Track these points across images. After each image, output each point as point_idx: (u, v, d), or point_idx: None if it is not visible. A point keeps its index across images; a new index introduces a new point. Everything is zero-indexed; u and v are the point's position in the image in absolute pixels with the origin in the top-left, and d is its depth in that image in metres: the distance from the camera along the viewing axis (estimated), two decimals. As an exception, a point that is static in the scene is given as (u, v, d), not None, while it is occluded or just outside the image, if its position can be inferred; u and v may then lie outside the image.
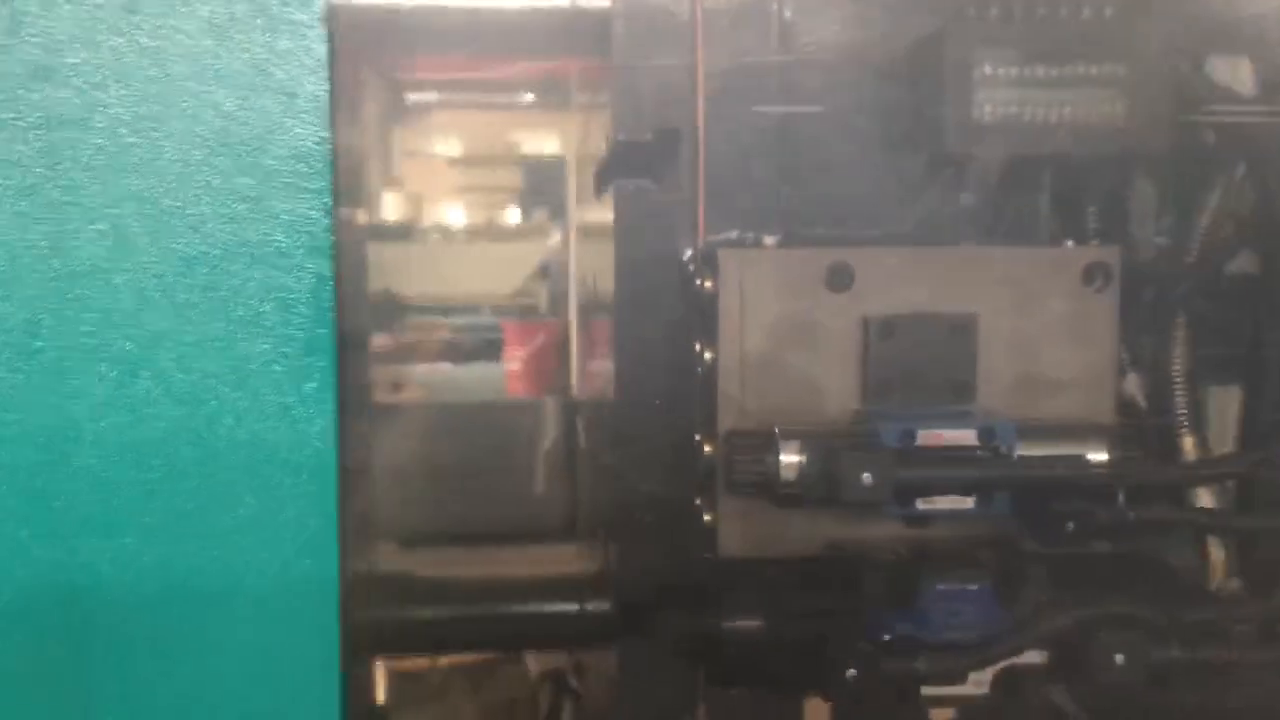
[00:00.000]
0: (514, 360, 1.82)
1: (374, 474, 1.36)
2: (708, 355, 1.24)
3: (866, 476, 1.11)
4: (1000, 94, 1.26)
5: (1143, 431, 1.27)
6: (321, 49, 0.76)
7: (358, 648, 1.19)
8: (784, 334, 1.24)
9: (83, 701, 0.76)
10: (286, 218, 0.76)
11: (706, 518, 1.26)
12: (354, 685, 0.80)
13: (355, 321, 0.80)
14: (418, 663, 1.68)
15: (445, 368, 1.84)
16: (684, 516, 1.27)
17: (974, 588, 1.16)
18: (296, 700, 0.79)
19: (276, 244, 0.76)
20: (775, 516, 1.24)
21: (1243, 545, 1.25)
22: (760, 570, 1.22)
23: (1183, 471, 1.22)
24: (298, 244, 0.76)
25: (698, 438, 1.26)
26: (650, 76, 1.29)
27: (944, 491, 1.14)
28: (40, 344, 0.74)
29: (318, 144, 0.76)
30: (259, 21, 0.76)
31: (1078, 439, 1.21)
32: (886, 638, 1.15)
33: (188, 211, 0.75)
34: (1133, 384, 1.34)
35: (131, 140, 0.75)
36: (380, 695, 1.50)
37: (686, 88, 1.30)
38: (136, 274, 0.75)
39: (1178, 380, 1.30)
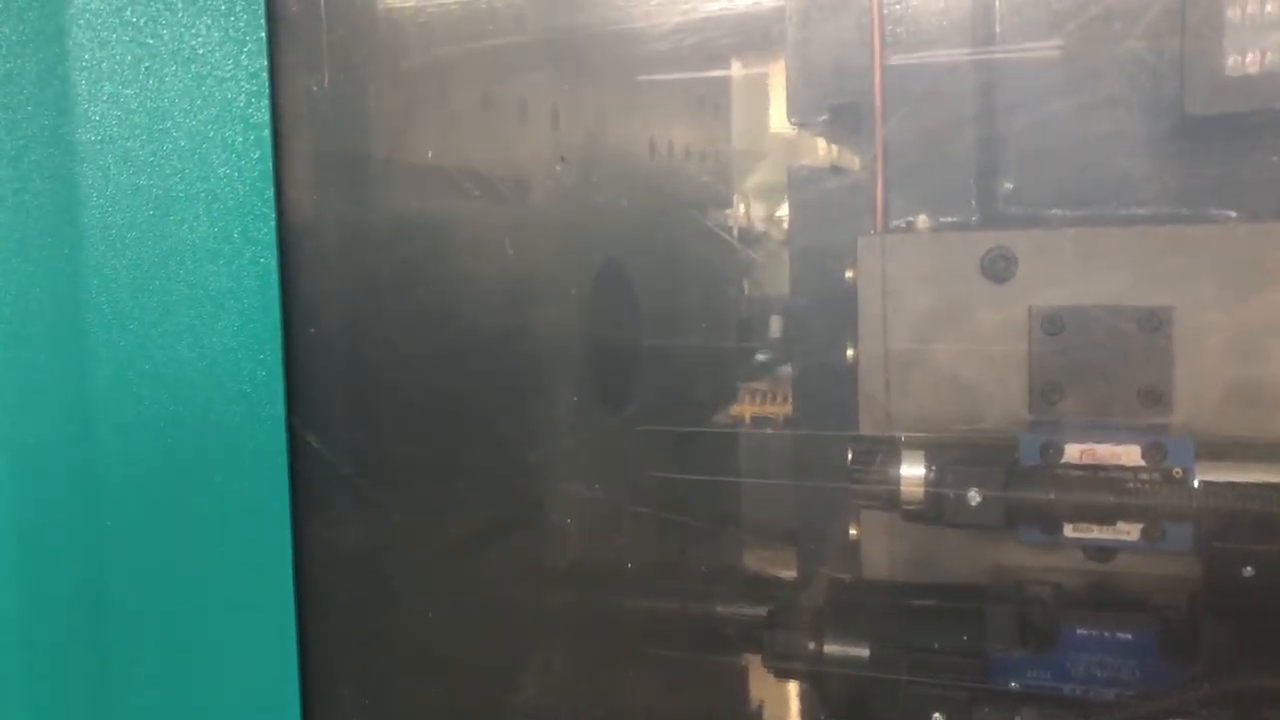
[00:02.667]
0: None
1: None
2: (849, 353, 1.13)
3: (973, 495, 0.96)
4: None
5: None
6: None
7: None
8: (935, 330, 1.10)
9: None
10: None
11: (852, 533, 1.15)
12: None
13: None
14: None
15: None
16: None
17: (1125, 636, 0.95)
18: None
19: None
20: (927, 535, 1.10)
21: None
22: (894, 594, 1.09)
23: None
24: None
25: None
26: (825, 48, 1.21)
27: (1074, 519, 0.95)
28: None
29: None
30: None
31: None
32: (1012, 685, 0.98)
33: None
34: None
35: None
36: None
37: (865, 56, 1.20)
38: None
39: None
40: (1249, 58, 1.05)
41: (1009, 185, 1.14)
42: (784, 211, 1.58)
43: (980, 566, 1.08)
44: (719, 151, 1.66)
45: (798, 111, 1.23)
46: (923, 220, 1.12)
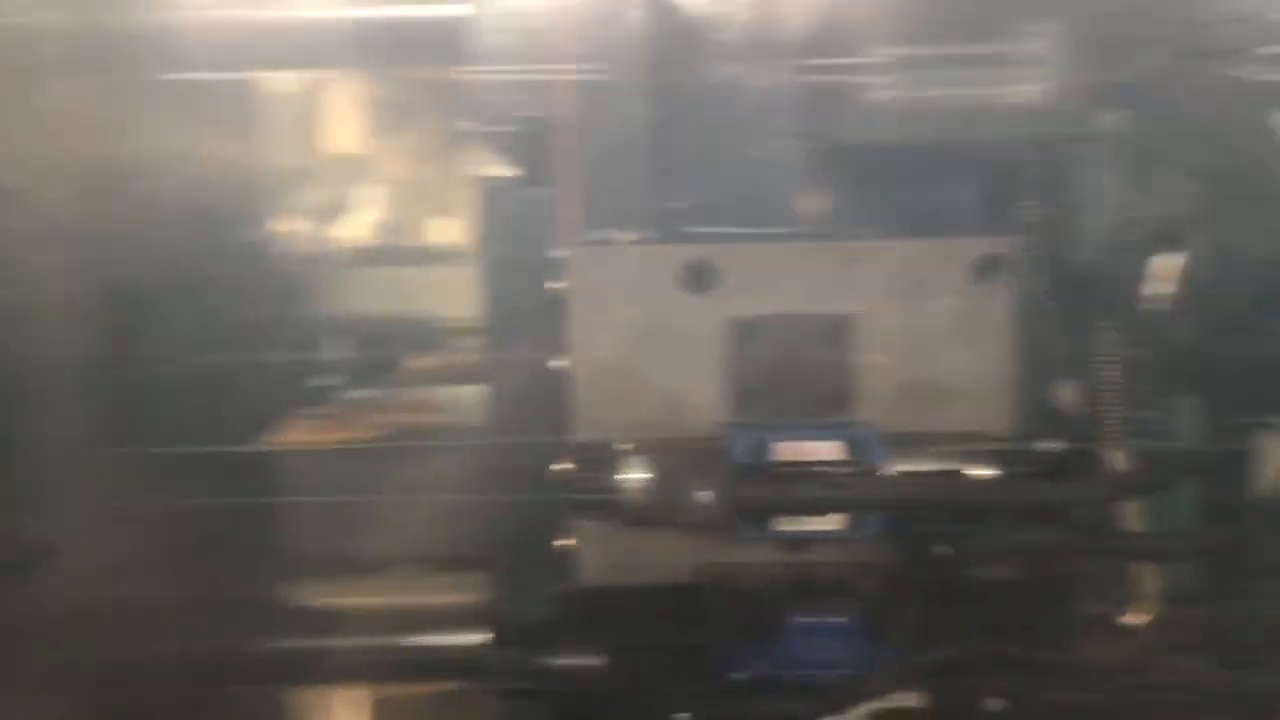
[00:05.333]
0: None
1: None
2: (559, 363, 1.14)
3: (704, 495, 1.00)
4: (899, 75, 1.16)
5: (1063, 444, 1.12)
6: None
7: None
8: (642, 339, 1.13)
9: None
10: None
11: (569, 543, 1.15)
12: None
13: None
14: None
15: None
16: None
17: (839, 620, 1.03)
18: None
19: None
20: (640, 539, 1.12)
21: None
22: (614, 600, 1.10)
23: (1068, 491, 1.06)
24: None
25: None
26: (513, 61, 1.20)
27: (791, 512, 1.02)
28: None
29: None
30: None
31: (971, 454, 1.08)
32: (738, 676, 1.03)
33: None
34: (1068, 393, 1.19)
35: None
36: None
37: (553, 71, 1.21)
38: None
39: (1107, 389, 1.16)
40: (888, 93, 1.17)
41: (695, 202, 1.21)
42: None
43: (691, 565, 1.13)
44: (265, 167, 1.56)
45: (485, 122, 1.22)
46: (620, 236, 1.15)
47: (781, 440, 1.05)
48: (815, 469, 1.03)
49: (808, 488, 1.00)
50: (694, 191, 1.21)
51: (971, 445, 1.09)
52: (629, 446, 1.07)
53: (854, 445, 1.04)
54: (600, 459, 1.07)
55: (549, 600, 1.12)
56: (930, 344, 1.12)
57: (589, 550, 1.14)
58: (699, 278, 1.12)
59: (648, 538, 1.11)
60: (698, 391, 1.12)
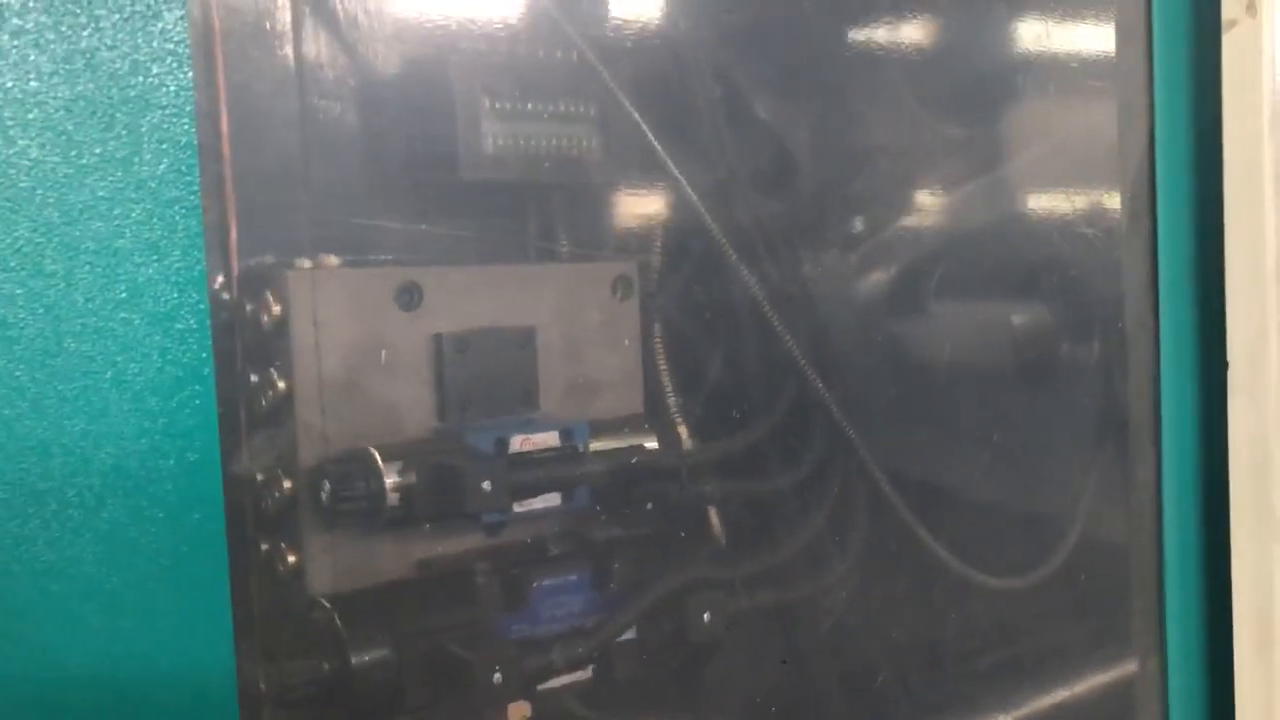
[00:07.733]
0: None
1: None
2: (281, 385, 1.17)
3: (487, 485, 1.13)
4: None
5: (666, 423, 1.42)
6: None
7: None
8: (359, 356, 1.21)
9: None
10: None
11: (291, 559, 1.18)
12: None
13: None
14: None
15: None
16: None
17: (574, 578, 1.23)
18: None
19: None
20: (361, 546, 1.20)
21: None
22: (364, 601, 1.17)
23: (719, 451, 1.39)
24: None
25: (259, 476, 1.18)
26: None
27: (549, 490, 1.20)
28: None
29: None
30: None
31: (626, 432, 1.34)
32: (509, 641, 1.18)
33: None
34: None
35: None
36: None
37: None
38: None
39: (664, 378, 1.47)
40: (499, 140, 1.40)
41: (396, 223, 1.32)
42: None
43: (406, 561, 1.24)
44: None
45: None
46: (330, 259, 1.23)
47: (513, 433, 1.22)
48: (550, 454, 1.22)
49: (563, 468, 1.18)
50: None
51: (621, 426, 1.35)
52: (384, 452, 1.15)
53: (568, 433, 1.25)
54: (353, 469, 1.14)
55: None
56: (584, 348, 1.37)
57: (318, 562, 1.18)
58: (407, 297, 1.23)
59: (367, 543, 1.20)
60: (411, 401, 1.24)
